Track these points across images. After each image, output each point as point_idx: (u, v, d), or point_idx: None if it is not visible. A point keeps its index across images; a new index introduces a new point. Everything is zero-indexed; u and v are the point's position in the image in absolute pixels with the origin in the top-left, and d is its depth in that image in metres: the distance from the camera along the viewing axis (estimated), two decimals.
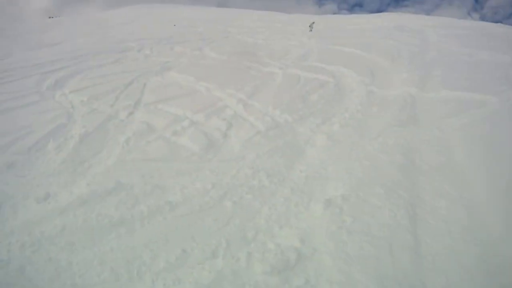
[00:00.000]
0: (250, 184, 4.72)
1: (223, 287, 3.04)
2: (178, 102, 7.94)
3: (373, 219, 3.75)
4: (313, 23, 19.37)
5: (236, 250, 3.50)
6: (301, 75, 9.86)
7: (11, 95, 8.29)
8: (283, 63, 11.54)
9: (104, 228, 3.82)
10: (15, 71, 10.72)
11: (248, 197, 4.43)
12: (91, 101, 8.04)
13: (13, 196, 4.42)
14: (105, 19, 31.78)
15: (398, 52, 11.90)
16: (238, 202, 4.32)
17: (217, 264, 3.31)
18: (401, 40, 13.78)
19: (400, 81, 8.74)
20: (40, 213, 4.05)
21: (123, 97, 8.37)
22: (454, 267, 3.10)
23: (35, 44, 16.71)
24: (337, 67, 10.35)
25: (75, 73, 10.59)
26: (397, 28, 16.76)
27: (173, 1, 44.17)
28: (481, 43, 12.08)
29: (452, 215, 3.76)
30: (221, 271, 3.20)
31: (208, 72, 10.57)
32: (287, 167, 5.16)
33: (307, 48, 13.82)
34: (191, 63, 12.01)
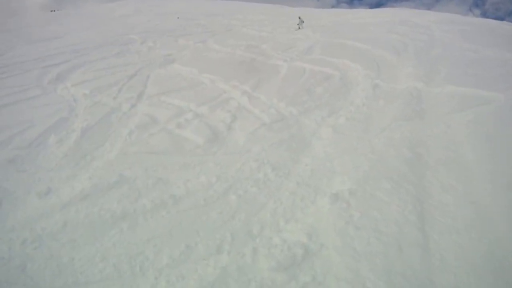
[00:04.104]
0: (255, 177, 4.65)
1: (228, 284, 2.97)
2: (182, 94, 7.88)
3: (380, 214, 3.67)
4: (299, 17, 18.94)
5: (241, 245, 3.42)
6: (306, 68, 9.77)
7: (12, 90, 8.25)
8: (288, 56, 11.44)
9: (106, 223, 3.76)
10: (16, 66, 10.69)
11: (253, 190, 4.36)
12: (94, 94, 8.00)
13: (14, 191, 4.38)
14: (106, 12, 31.70)
15: (404, 46, 11.76)
16: (243, 196, 4.25)
17: (222, 260, 3.24)
18: (406, 35, 13.63)
19: (406, 76, 8.62)
20: (41, 209, 4.00)
21: (126, 90, 8.32)
22: (461, 264, 3.03)
23: (36, 38, 16.66)
24: (342, 60, 10.24)
25: (77, 66, 10.55)
26: (401, 23, 16.57)
27: None
28: (485, 40, 11.93)
29: (458, 212, 3.68)
30: (226, 267, 3.13)
31: (212, 64, 10.50)
32: (292, 160, 5.08)
33: (312, 42, 13.69)
34: (194, 56, 11.93)
